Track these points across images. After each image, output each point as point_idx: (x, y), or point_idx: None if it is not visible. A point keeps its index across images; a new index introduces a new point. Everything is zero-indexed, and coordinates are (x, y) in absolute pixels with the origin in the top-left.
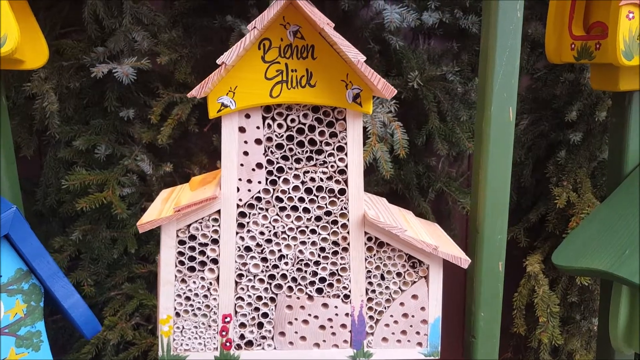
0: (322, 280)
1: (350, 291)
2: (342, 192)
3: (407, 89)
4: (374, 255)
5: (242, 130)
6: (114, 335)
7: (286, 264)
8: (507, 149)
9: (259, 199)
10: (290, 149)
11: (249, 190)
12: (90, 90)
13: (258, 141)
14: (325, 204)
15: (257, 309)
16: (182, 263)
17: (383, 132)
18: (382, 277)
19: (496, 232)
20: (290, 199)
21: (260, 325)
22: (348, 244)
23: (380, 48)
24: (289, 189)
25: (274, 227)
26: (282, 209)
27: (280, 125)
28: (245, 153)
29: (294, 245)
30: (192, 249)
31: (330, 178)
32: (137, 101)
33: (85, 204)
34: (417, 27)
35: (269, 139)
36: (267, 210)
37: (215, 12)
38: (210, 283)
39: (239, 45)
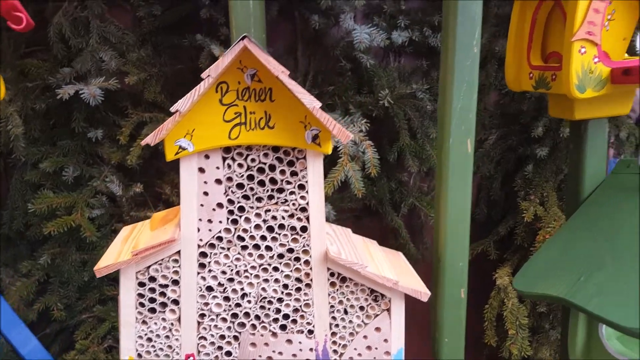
0: (286, 316)
1: (314, 326)
2: (304, 229)
3: (378, 107)
4: (337, 290)
5: (201, 170)
6: (86, 358)
7: (249, 302)
8: (466, 180)
9: (220, 238)
10: (251, 188)
11: (210, 230)
12: (57, 111)
13: (218, 181)
14: (288, 242)
15: (220, 348)
16: (142, 305)
17: (355, 150)
18: (346, 312)
19: (457, 260)
20: (252, 237)
21: None
22: (311, 280)
23: (352, 66)
24: (250, 227)
25: (236, 265)
26: (244, 247)
27: (240, 165)
28: (205, 193)
29: (257, 283)
30: (153, 290)
31: (292, 216)
32: (105, 121)
33: (53, 227)
34: (387, 46)
35: (229, 179)
36: (228, 249)
37: (185, 31)
38: (172, 324)
39: (193, 92)
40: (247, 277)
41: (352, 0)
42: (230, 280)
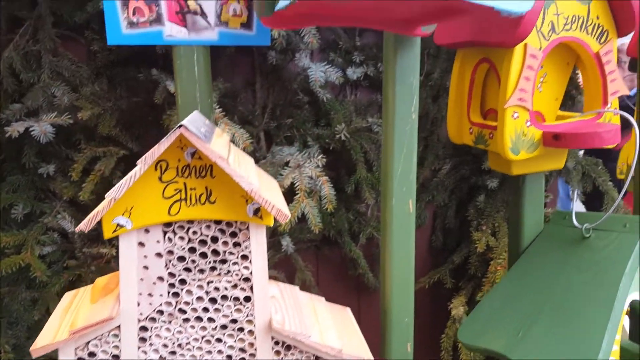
0: None
1: None
2: (248, 299)
3: (336, 140)
4: (282, 358)
5: (141, 245)
6: None
7: None
8: (409, 237)
9: (161, 312)
10: (193, 261)
11: (150, 304)
12: (6, 145)
13: (159, 255)
14: (231, 312)
15: None
16: None
17: (312, 184)
18: None
19: (403, 316)
20: (194, 309)
21: None
22: (255, 350)
23: (310, 99)
24: (192, 299)
25: (177, 338)
26: (186, 320)
27: (181, 238)
28: (146, 267)
29: (200, 355)
30: None
31: (235, 286)
32: (58, 154)
33: (1, 268)
34: (342, 82)
35: (170, 252)
36: (170, 322)
37: (141, 65)
38: None
39: (128, 179)
40: (189, 349)
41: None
42: (172, 353)
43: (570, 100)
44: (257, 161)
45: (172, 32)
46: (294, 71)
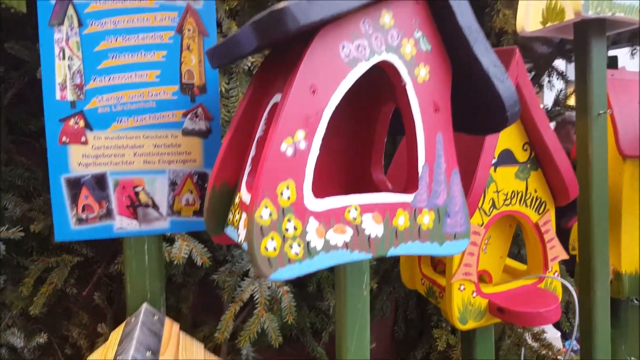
0: None
1: None
2: None
3: None
4: None
5: None
6: None
7: None
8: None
9: None
10: None
11: None
12: None
13: None
14: None
15: None
16: None
17: (273, 293)
18: None
19: None
20: None
21: None
22: None
23: None
24: None
25: None
26: None
27: None
28: None
29: None
30: None
31: None
32: (8, 262)
33: None
34: None
35: None
36: None
37: None
38: None
39: None
40: None
41: None
42: None
43: None
44: (216, 269)
45: (122, 225)
46: None
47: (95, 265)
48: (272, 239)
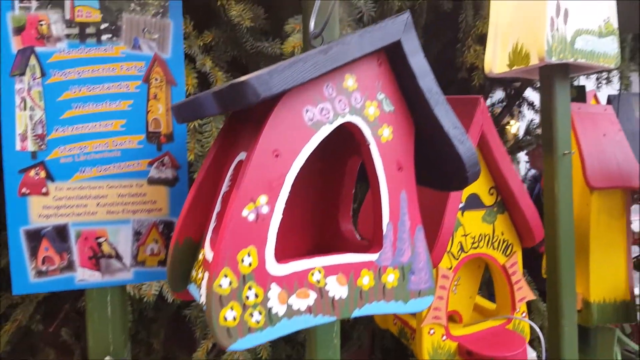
0: None
1: None
2: None
3: None
4: None
5: None
6: None
7: None
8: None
9: None
10: None
11: None
12: None
13: None
14: None
15: None
16: None
17: None
18: None
19: None
20: None
21: None
22: None
23: None
24: None
25: None
26: None
27: None
28: None
29: None
30: None
31: None
32: None
33: None
34: None
35: None
36: None
37: None
38: None
39: None
40: None
41: None
42: None
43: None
44: (188, 304)
45: (84, 276)
46: None
47: (62, 301)
48: (232, 308)
